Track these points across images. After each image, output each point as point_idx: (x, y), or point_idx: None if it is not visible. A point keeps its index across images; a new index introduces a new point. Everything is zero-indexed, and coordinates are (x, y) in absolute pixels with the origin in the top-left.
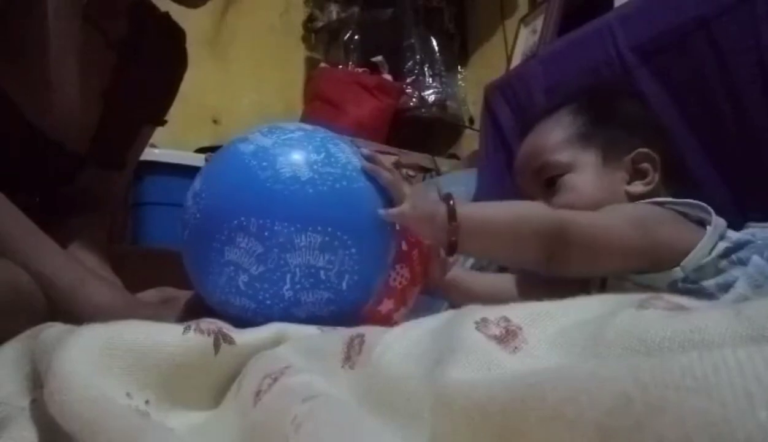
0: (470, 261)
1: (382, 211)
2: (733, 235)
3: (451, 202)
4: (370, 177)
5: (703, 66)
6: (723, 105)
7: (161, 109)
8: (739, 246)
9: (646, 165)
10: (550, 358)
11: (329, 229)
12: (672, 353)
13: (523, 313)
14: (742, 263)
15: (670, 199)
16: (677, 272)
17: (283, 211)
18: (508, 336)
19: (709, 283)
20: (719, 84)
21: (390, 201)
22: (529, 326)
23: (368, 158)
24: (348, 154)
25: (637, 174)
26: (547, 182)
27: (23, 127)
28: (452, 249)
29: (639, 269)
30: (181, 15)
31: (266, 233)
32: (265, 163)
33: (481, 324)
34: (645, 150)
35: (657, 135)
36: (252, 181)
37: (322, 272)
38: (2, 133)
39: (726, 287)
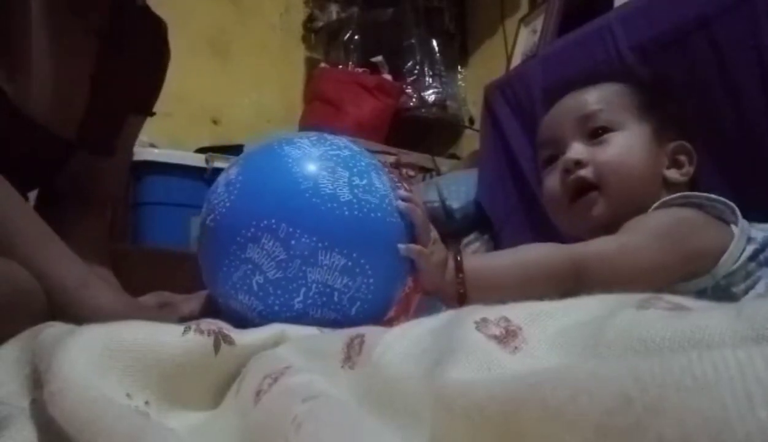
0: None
1: (402, 246)
2: (758, 235)
3: (459, 256)
4: (402, 215)
5: (703, 66)
6: (723, 105)
7: (147, 99)
8: (764, 246)
9: (683, 157)
10: (550, 358)
11: (354, 254)
12: (672, 353)
13: (523, 313)
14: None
15: (702, 193)
16: (707, 280)
17: (315, 225)
18: (508, 336)
19: (738, 288)
20: (719, 84)
21: (414, 240)
22: (529, 326)
23: (406, 199)
24: (387, 186)
25: (674, 164)
26: (592, 132)
27: (10, 112)
28: (462, 301)
29: (670, 283)
30: (181, 15)
31: (293, 242)
32: (307, 173)
33: (481, 324)
34: (687, 144)
35: (695, 137)
36: (292, 188)
37: (336, 294)
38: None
39: (752, 289)
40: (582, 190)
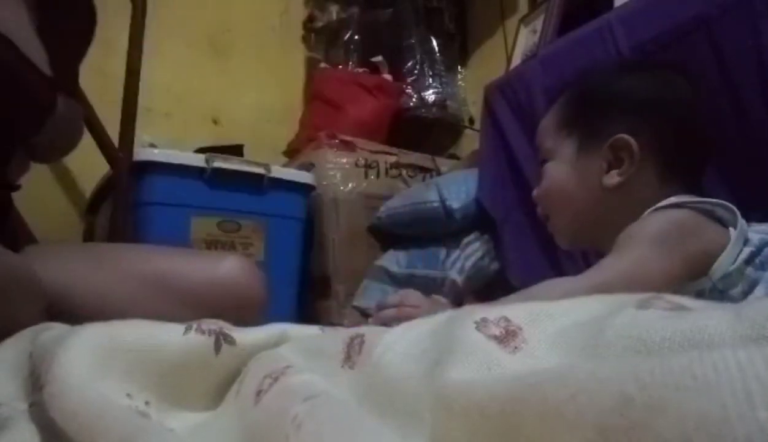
0: (470, 261)
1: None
2: (755, 237)
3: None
4: None
5: (703, 66)
6: (723, 105)
7: (81, 43)
8: (760, 249)
9: (623, 153)
10: (550, 358)
11: None
12: (672, 353)
13: (523, 313)
14: (764, 267)
15: (691, 198)
16: (705, 282)
17: None
18: (508, 336)
19: (736, 291)
20: (719, 84)
21: None
22: (529, 326)
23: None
24: None
25: (618, 162)
26: (541, 165)
27: (7, 46)
28: None
29: (676, 286)
30: (181, 15)
31: None
32: None
33: (481, 324)
34: (622, 137)
35: (650, 119)
36: None
37: None
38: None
39: (749, 293)
40: (545, 221)
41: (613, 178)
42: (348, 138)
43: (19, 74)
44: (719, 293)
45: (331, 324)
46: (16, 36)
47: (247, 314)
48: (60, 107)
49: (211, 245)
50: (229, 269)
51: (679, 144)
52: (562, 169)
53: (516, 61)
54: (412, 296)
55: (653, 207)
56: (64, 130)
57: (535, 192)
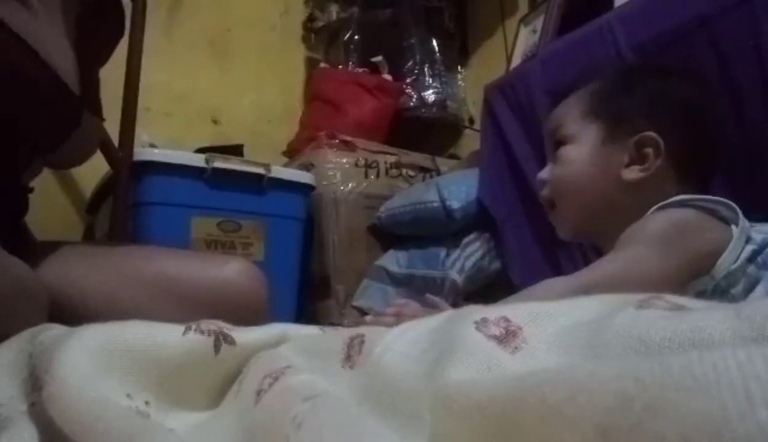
0: (470, 261)
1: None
2: (757, 236)
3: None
4: None
5: (703, 66)
6: (723, 105)
7: (109, 53)
8: (762, 247)
9: (648, 150)
10: (550, 358)
11: None
12: (672, 353)
13: (523, 313)
14: (766, 266)
15: (695, 196)
16: (707, 281)
17: None
18: (508, 336)
19: (737, 290)
20: (719, 84)
21: None
22: (529, 326)
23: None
24: None
25: (640, 158)
26: (556, 147)
27: (42, 68)
28: None
29: (679, 286)
30: (181, 15)
31: None
32: None
33: (481, 324)
34: (650, 134)
35: (678, 122)
36: None
37: None
38: (29, 75)
39: (750, 292)
40: (549, 207)
41: (633, 172)
42: (348, 138)
43: (49, 93)
44: (721, 292)
45: (331, 324)
46: (55, 56)
47: (249, 318)
48: (82, 124)
49: (211, 245)
50: (232, 272)
51: (698, 146)
52: (583, 153)
53: (516, 61)
54: (411, 306)
55: (657, 205)
56: (82, 144)
57: (544, 174)
